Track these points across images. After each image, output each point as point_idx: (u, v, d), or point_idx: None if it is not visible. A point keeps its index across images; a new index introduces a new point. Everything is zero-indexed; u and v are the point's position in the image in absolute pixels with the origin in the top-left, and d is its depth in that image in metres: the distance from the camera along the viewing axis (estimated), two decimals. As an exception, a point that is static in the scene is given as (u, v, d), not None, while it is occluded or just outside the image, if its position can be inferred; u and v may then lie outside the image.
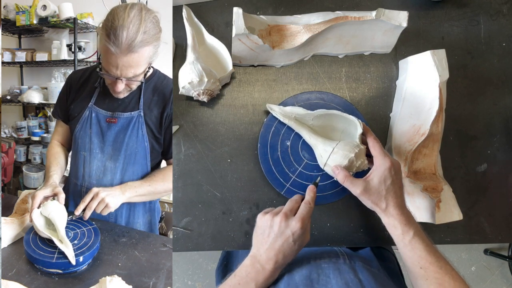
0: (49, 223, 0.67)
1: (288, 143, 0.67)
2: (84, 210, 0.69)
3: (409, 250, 0.52)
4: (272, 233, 0.52)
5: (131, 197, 0.74)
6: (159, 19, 0.67)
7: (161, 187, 0.77)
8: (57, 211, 0.67)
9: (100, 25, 0.65)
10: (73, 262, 0.59)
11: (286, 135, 0.67)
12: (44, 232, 0.63)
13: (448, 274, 0.50)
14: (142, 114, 0.77)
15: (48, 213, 0.66)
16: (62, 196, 0.70)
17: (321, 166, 0.61)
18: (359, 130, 0.59)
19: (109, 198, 0.70)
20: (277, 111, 0.66)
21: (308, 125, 0.65)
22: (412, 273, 0.53)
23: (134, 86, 0.74)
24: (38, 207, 0.67)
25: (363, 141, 0.60)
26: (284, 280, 0.53)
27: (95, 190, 0.70)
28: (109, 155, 0.78)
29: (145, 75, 0.72)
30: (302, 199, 0.57)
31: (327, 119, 0.64)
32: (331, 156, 0.58)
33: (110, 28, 0.62)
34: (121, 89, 0.71)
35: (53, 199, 0.70)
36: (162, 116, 0.77)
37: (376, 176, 0.55)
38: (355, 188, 0.55)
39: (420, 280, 0.52)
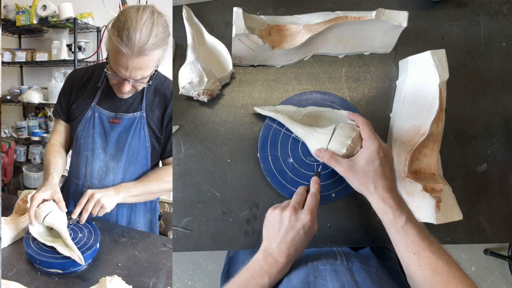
0: (49, 228, 0.66)
1: (289, 143, 0.67)
2: (80, 213, 0.69)
3: (401, 236, 0.51)
4: (283, 227, 0.53)
5: (125, 198, 0.75)
6: (168, 23, 0.67)
7: (155, 187, 0.77)
8: (54, 213, 0.66)
9: (110, 25, 0.64)
10: (82, 262, 0.59)
11: (287, 134, 0.67)
12: (46, 242, 0.62)
13: (441, 259, 0.49)
14: (144, 115, 0.77)
15: (43, 217, 0.64)
16: (62, 204, 0.69)
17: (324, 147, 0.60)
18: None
19: (105, 199, 0.70)
20: (267, 109, 0.66)
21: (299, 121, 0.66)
22: (405, 259, 0.52)
23: (140, 87, 0.74)
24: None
25: None
26: (283, 283, 0.53)
27: (90, 192, 0.71)
28: (112, 155, 0.79)
29: (151, 77, 0.72)
30: (306, 190, 0.58)
31: (317, 114, 0.65)
32: (337, 131, 0.57)
33: (123, 29, 0.61)
34: (128, 90, 0.71)
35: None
36: (164, 117, 0.77)
37: (363, 157, 0.54)
38: (340, 166, 0.55)
39: (414, 267, 0.51)
